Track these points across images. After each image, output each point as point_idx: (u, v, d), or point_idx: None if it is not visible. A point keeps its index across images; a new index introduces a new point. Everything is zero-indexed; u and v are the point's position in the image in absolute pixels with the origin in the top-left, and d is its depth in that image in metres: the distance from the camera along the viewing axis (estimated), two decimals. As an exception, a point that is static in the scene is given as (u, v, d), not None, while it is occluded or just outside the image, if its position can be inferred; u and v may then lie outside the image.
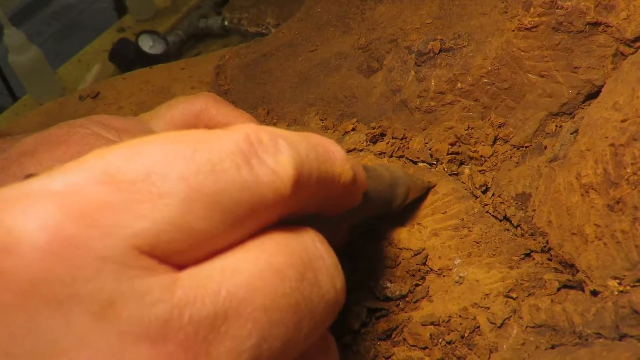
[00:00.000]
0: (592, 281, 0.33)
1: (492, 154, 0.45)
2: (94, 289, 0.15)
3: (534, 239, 0.38)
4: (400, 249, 0.38)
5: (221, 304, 0.17)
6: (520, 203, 0.40)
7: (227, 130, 0.19)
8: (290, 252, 0.19)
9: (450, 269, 0.37)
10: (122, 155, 0.17)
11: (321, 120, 0.53)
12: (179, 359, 0.16)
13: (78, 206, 0.16)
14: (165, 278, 0.17)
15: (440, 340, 0.34)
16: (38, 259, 0.15)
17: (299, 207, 0.21)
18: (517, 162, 0.43)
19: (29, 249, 0.15)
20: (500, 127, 0.45)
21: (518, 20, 0.43)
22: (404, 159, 0.47)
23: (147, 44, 0.88)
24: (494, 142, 0.45)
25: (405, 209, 0.42)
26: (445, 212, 0.41)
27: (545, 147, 0.42)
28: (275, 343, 0.17)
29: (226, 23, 0.91)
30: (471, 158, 0.45)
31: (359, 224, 0.40)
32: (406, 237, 0.39)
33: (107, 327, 0.15)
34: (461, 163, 0.45)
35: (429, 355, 0.34)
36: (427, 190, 0.43)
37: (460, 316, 0.35)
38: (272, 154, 0.19)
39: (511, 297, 0.35)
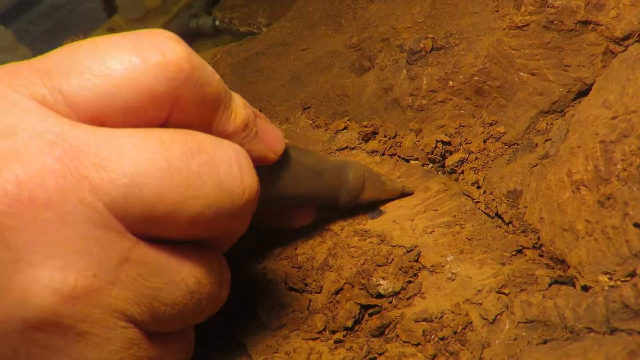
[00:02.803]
0: (583, 276, 0.33)
1: (483, 149, 0.45)
2: None
3: (526, 236, 0.39)
4: (393, 246, 0.38)
5: (103, 148, 0.21)
6: (511, 200, 0.41)
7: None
8: (186, 136, 0.23)
9: (443, 266, 0.38)
10: None
11: (313, 119, 0.53)
12: (54, 166, 0.20)
13: None
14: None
15: (433, 337, 0.34)
16: None
17: (188, 108, 0.24)
18: (508, 160, 0.44)
19: None
20: (491, 125, 0.45)
21: (509, 18, 0.44)
22: (396, 157, 0.47)
23: (138, 44, 0.87)
24: (486, 140, 0.45)
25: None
26: (438, 209, 0.41)
27: (536, 145, 0.42)
28: (147, 190, 0.21)
29: (217, 23, 0.91)
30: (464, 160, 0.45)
31: (298, 203, 0.39)
32: (399, 235, 0.39)
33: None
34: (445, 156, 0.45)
35: (421, 352, 0.34)
36: (399, 194, 0.42)
37: (452, 312, 0.35)
38: (169, 42, 0.23)
39: (503, 293, 0.35)
